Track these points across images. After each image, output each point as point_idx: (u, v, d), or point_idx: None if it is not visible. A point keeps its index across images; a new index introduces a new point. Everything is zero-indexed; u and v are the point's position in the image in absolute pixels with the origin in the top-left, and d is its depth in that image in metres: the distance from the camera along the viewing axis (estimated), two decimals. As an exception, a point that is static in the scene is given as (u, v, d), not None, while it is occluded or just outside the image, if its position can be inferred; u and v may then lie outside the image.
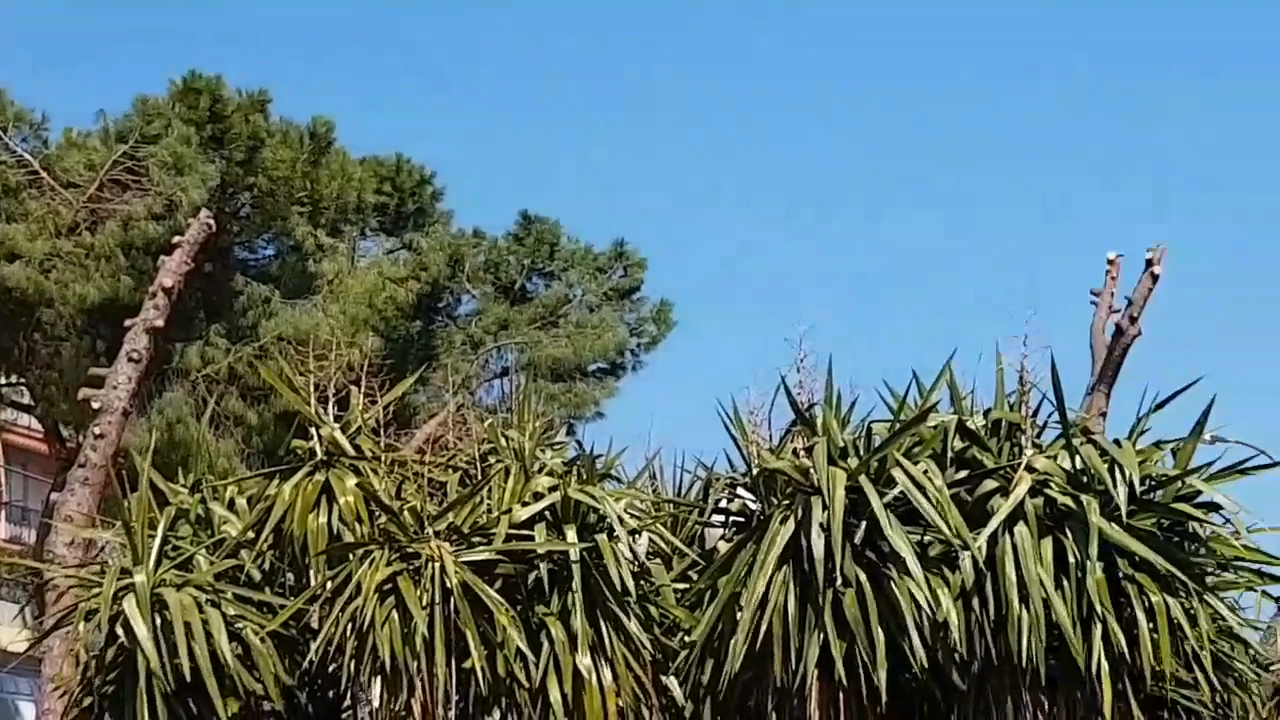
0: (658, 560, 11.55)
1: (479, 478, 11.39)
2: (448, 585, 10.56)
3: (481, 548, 10.86)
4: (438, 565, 10.63)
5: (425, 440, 12.15)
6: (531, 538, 10.96)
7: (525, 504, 11.08)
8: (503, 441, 11.57)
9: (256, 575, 11.37)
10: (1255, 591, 11.75)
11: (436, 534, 10.86)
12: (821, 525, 10.45)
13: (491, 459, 11.55)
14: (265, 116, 22.38)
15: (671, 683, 11.12)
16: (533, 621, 10.84)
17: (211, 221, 16.85)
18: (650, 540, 11.48)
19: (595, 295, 28.62)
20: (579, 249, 28.99)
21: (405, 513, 10.97)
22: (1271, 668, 12.38)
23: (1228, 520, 11.01)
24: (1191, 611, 10.67)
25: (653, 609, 11.26)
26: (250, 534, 11.33)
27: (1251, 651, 11.58)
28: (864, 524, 10.53)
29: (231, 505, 11.82)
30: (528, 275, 28.75)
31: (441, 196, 27.48)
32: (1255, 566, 11.23)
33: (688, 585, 11.42)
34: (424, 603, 10.53)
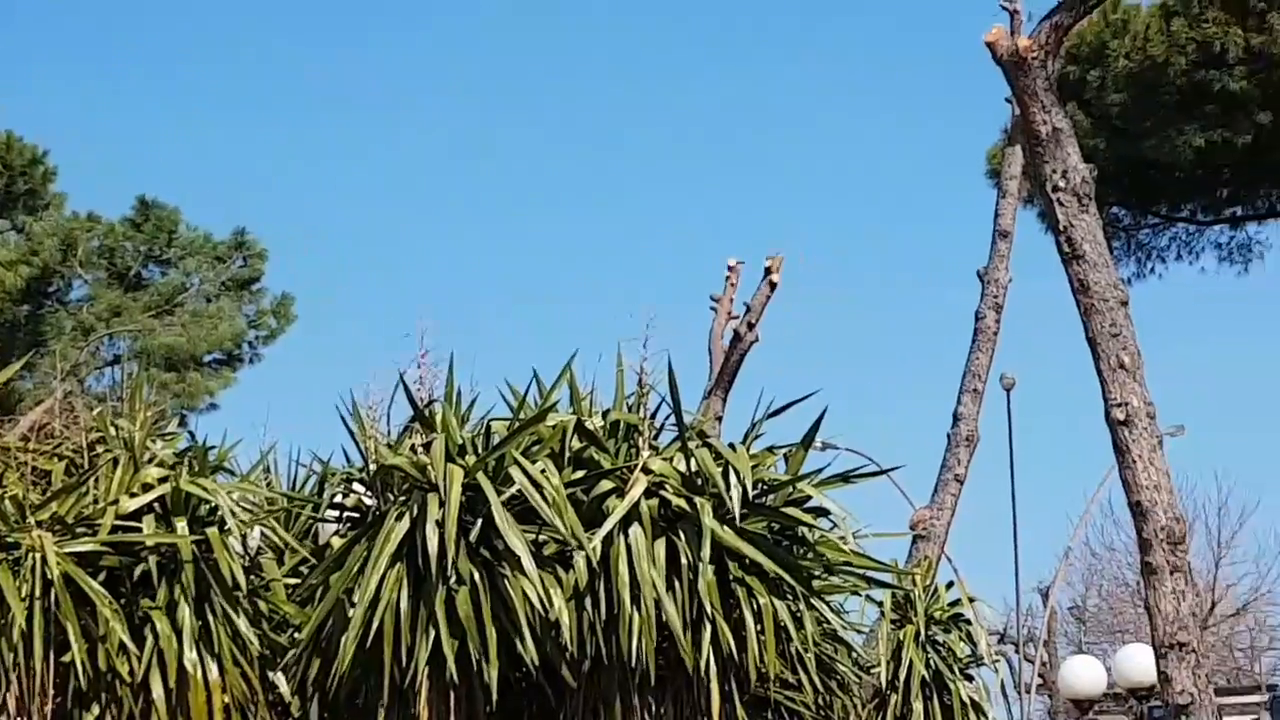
0: (270, 555, 11.37)
1: (86, 467, 11.07)
2: (48, 577, 10.23)
3: (86, 539, 10.55)
4: (39, 556, 10.29)
5: (30, 428, 11.75)
6: (139, 529, 10.69)
7: (134, 495, 10.80)
8: (112, 431, 11.26)
9: None
10: (860, 596, 12.05)
11: (39, 524, 10.52)
12: (437, 522, 10.39)
13: (100, 448, 11.23)
14: None
15: (279, 679, 10.96)
16: (137, 615, 10.58)
17: None
18: (263, 534, 11.29)
19: (213, 285, 28.17)
20: (198, 237, 28.51)
21: (6, 501, 10.61)
22: (872, 670, 12.69)
23: (835, 525, 11.25)
24: (798, 614, 10.87)
25: (263, 604, 11.07)
26: None
27: (854, 654, 11.86)
28: (480, 522, 10.50)
29: None
30: (144, 262, 28.17)
31: (54, 177, 26.78)
32: (860, 571, 11.49)
33: (299, 581, 11.26)
34: (23, 594, 10.20)
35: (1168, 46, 28.02)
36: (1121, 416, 10.92)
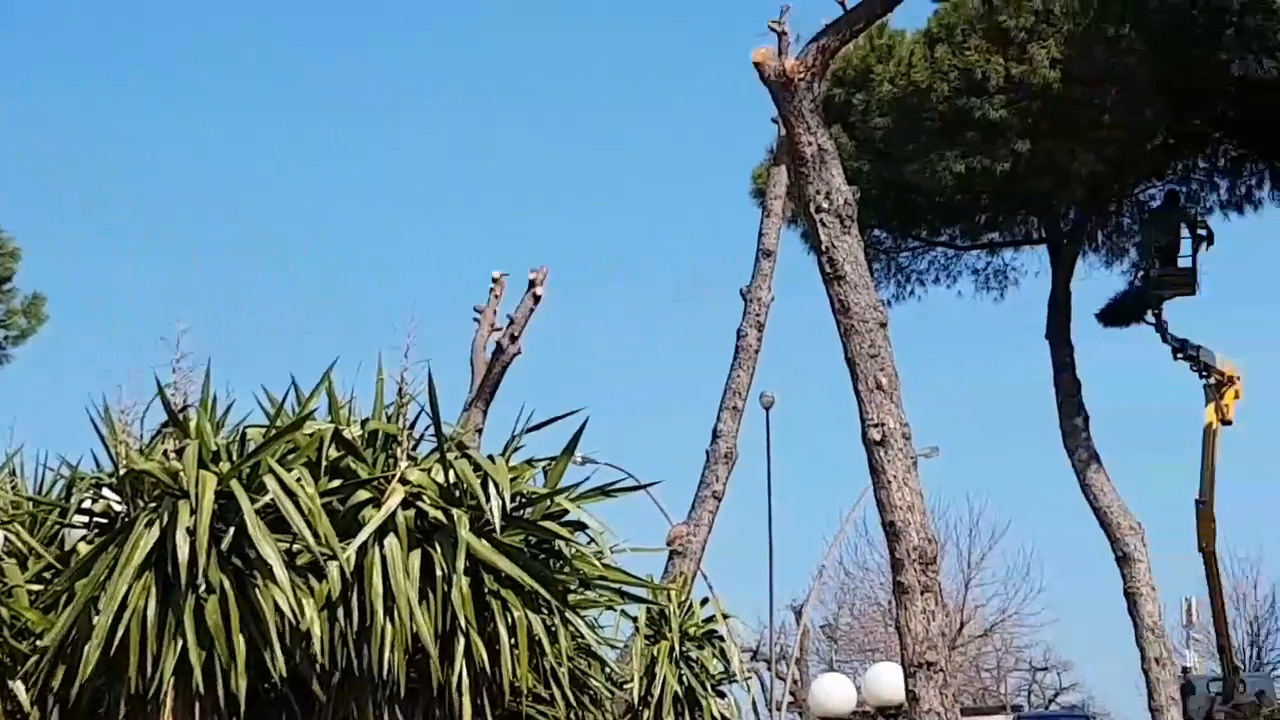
0: (12, 560, 11.07)
1: None
2: None
3: None
4: None
5: None
6: (-124, 531, 10.37)
7: None
8: None
9: None
10: (615, 611, 12.05)
11: None
12: (188, 530, 10.20)
13: None
14: None
15: (18, 688, 10.67)
16: None
17: None
18: (6, 539, 11.00)
19: (-37, 282, 27.50)
20: (-53, 234, 27.80)
21: None
22: (625, 685, 12.70)
23: (593, 540, 11.23)
24: (553, 629, 10.84)
25: (4, 611, 10.78)
26: None
27: (608, 670, 11.85)
28: (232, 530, 10.32)
29: None
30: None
31: None
32: (616, 586, 11.49)
33: (43, 587, 10.98)
34: None
35: (931, 73, 28.49)
36: (878, 437, 11.05)
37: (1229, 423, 33.47)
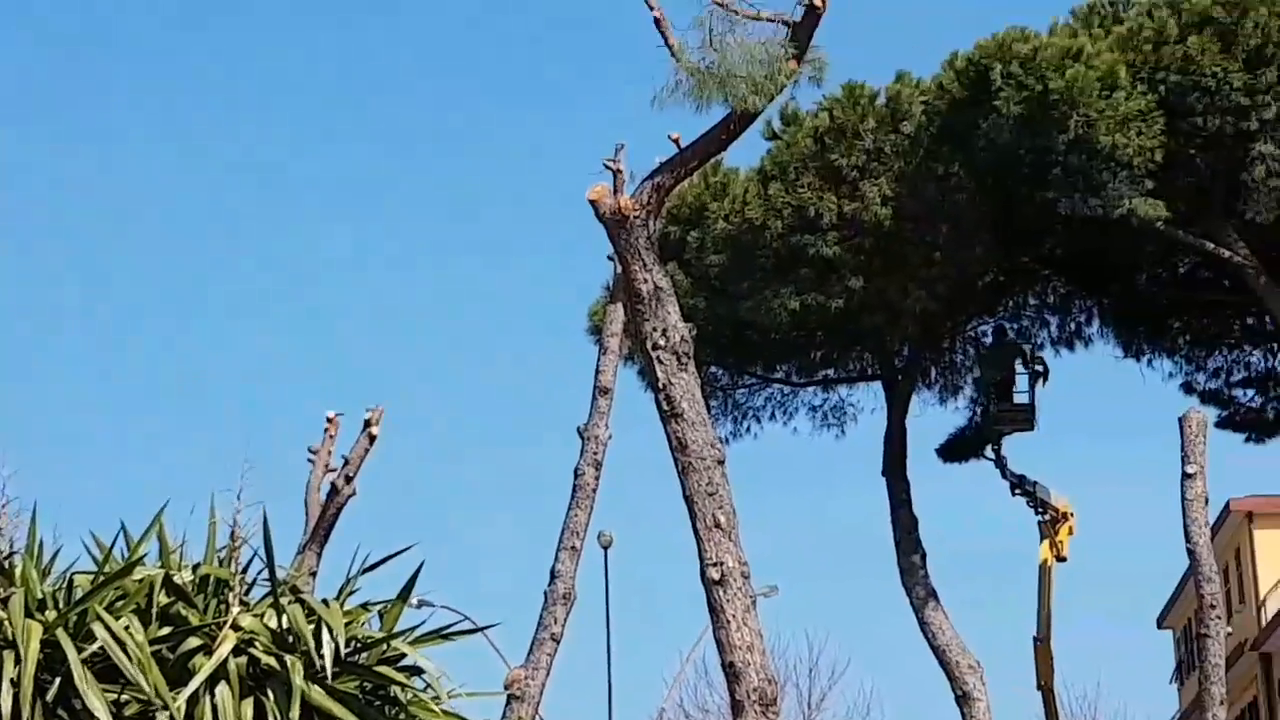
0: None
1: None
2: None
3: None
4: None
5: None
6: None
7: None
8: None
9: None
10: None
11: None
12: (12, 681, 9.92)
13: None
14: None
15: None
16: None
17: None
18: None
19: None
20: None
21: None
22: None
23: (429, 685, 11.06)
24: (389, 777, 10.64)
25: None
26: None
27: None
28: (59, 680, 10.06)
29: None
30: None
31: None
32: (454, 732, 11.31)
33: None
34: None
35: (765, 210, 28.76)
36: (716, 576, 11.01)
37: (1064, 559, 33.59)
